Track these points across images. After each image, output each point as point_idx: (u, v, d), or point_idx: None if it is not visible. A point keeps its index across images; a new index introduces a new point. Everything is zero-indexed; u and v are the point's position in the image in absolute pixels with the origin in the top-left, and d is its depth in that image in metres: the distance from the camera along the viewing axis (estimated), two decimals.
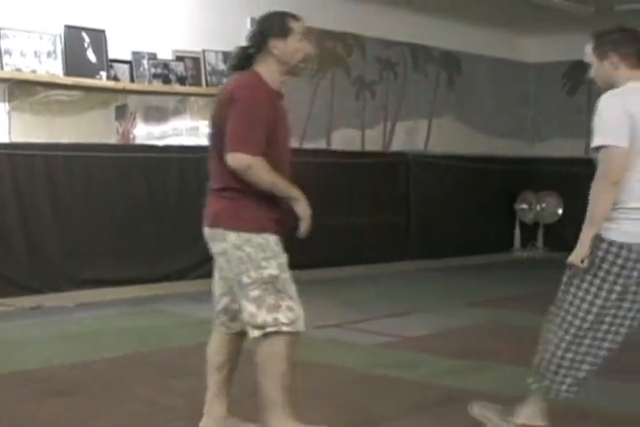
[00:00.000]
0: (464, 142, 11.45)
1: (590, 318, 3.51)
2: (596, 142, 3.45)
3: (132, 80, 7.82)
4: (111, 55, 7.69)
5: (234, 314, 3.68)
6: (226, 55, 8.70)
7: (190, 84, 8.24)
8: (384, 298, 7.91)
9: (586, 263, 3.46)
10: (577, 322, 3.53)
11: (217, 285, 3.74)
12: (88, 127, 7.79)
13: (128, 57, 7.83)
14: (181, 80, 8.17)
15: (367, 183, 10.01)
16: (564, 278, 3.60)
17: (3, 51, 7.25)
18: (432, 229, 10.68)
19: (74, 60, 7.60)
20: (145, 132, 8.19)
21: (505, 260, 11.36)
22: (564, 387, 3.61)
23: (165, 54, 8.12)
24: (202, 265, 8.54)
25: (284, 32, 3.58)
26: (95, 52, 7.74)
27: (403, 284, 8.96)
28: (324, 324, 6.34)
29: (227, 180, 3.51)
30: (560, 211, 11.68)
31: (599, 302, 3.49)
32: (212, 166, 3.62)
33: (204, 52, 8.47)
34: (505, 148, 12.12)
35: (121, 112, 8.09)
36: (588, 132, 14.00)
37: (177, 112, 8.62)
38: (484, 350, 5.66)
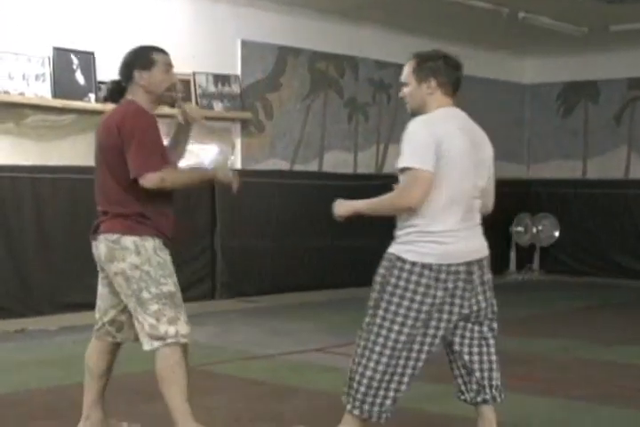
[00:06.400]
0: None
1: (403, 338, 3.54)
2: (402, 164, 3.53)
3: None
4: (100, 77, 7.68)
5: (120, 325, 3.95)
6: (217, 78, 8.72)
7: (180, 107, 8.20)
8: None
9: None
10: (390, 343, 3.55)
11: (105, 298, 3.95)
12: (81, 150, 7.77)
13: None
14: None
15: None
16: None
17: None
18: None
19: (62, 82, 7.61)
20: None
21: (500, 283, 11.16)
22: (380, 408, 3.61)
23: None
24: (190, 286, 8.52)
25: (148, 64, 3.87)
26: (84, 74, 7.75)
27: None
28: (305, 348, 6.37)
29: (127, 203, 3.76)
30: (557, 233, 11.59)
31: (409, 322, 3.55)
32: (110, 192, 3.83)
33: (194, 74, 8.47)
34: (500, 170, 11.88)
35: None
36: (584, 154, 13.83)
37: (168, 134, 8.59)
38: None
